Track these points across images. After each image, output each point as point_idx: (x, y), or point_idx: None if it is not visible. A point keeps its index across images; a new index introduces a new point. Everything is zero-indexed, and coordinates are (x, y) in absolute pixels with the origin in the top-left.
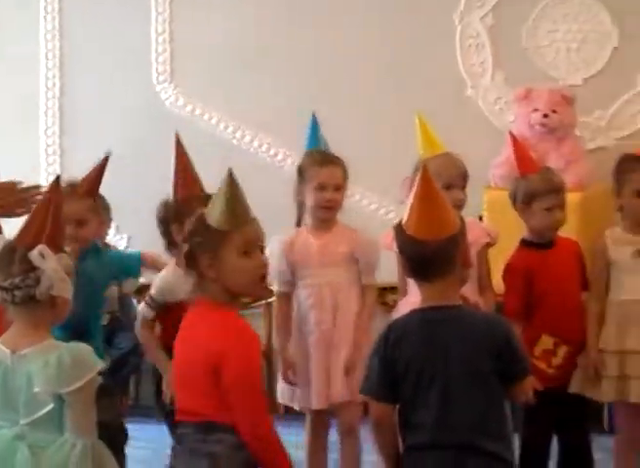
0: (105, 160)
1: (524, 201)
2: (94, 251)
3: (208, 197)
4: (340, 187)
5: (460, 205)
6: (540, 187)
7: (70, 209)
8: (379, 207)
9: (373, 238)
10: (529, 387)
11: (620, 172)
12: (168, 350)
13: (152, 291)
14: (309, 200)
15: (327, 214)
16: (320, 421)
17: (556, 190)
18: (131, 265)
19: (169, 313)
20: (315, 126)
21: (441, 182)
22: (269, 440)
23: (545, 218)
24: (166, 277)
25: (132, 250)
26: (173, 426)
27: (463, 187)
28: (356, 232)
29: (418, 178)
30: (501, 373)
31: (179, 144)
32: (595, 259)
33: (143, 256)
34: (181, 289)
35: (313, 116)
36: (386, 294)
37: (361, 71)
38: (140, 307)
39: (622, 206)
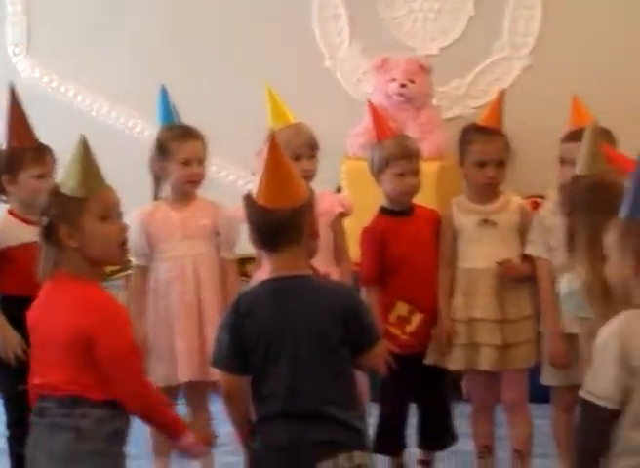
0: None
1: (379, 167)
2: None
3: (40, 147)
4: (202, 161)
5: (309, 175)
6: (394, 152)
7: None
8: (237, 178)
9: (234, 211)
10: (379, 355)
11: (463, 142)
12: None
13: None
14: (173, 174)
15: (192, 189)
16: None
17: (409, 155)
18: None
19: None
20: (165, 98)
21: (289, 153)
22: (158, 408)
23: (398, 183)
24: None
25: None
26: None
27: (312, 157)
28: (216, 205)
29: (266, 149)
30: (351, 342)
31: (12, 94)
32: (443, 227)
33: None
34: (10, 235)
35: (162, 88)
36: (246, 265)
37: (217, 41)
38: None
39: (464, 175)
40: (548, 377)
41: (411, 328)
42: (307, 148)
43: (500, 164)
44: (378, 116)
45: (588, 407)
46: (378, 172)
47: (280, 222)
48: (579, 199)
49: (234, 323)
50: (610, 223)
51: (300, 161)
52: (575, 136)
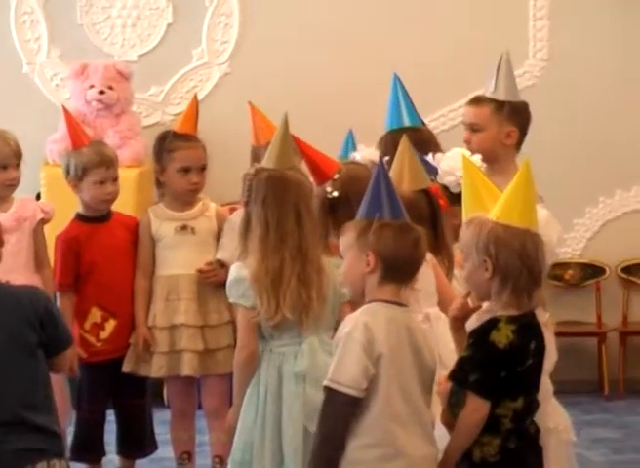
0: None
1: (76, 175)
2: None
3: None
4: None
5: (15, 184)
6: (92, 160)
7: None
8: None
9: None
10: (69, 359)
11: (162, 150)
12: None
13: None
14: None
15: None
16: None
17: (107, 163)
18: None
19: None
20: None
21: None
22: None
23: (97, 191)
24: None
25: None
26: None
27: (18, 165)
28: None
29: None
30: (46, 345)
31: None
32: (140, 235)
33: None
34: None
35: None
36: None
37: None
38: None
39: (165, 183)
40: None
41: (105, 334)
42: (14, 157)
43: (202, 169)
44: (72, 122)
45: (333, 395)
46: (75, 179)
47: None
48: (255, 190)
49: None
50: (345, 225)
51: (6, 170)
52: None
